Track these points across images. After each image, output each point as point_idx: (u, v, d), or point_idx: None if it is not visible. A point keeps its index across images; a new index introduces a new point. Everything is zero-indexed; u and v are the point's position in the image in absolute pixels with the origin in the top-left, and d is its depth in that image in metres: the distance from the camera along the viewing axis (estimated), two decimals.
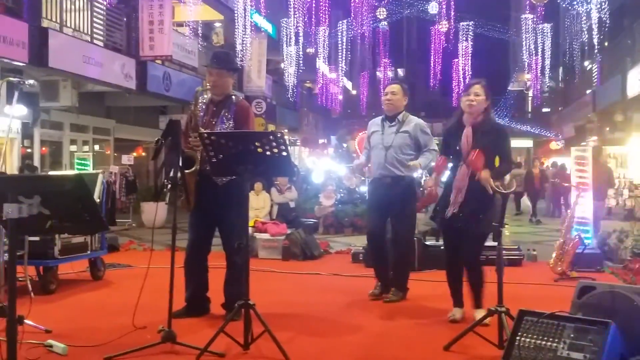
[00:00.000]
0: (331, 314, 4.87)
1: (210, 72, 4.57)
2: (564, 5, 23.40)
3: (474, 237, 4.33)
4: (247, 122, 4.50)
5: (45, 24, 11.40)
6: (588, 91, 21.67)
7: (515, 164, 14.36)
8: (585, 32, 19.52)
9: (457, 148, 4.36)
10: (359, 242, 8.65)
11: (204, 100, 4.63)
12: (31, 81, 4.22)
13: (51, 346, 3.65)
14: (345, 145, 29.05)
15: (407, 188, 5.25)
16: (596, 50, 20.27)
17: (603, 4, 17.75)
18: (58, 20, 11.85)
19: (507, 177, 4.40)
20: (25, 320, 3.72)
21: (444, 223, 4.47)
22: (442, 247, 7.05)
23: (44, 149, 14.45)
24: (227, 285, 4.54)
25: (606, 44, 20.47)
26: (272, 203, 11.16)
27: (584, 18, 19.51)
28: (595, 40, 19.05)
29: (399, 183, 5.19)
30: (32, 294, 4.79)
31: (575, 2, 20.58)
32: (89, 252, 6.00)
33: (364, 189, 15.17)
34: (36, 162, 13.33)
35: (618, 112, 17.93)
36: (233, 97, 4.58)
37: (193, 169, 4.31)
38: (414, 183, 5.44)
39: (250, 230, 7.87)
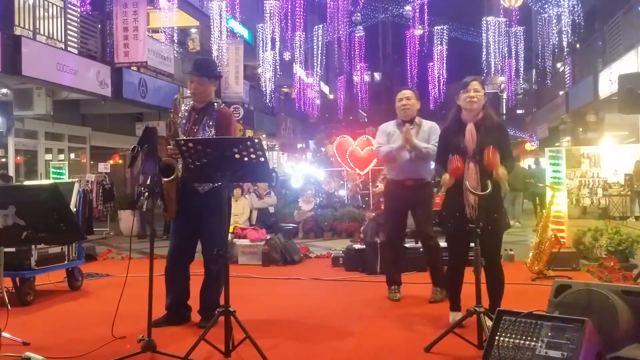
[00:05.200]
0: (312, 318, 4.87)
1: (191, 79, 4.53)
2: (535, 9, 23.75)
3: (494, 235, 4.20)
4: (229, 129, 4.48)
5: (18, 31, 11.25)
6: (561, 92, 21.96)
7: None
8: (557, 35, 19.83)
9: (462, 146, 4.13)
10: (339, 246, 8.67)
11: (187, 108, 4.57)
12: (4, 90, 4.16)
13: (29, 359, 3.59)
14: (323, 149, 29.10)
15: (429, 190, 5.51)
16: (567, 53, 20.59)
17: (575, 6, 18.06)
18: (31, 28, 11.70)
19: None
20: (2, 333, 3.69)
21: (457, 225, 4.19)
22: (421, 250, 7.10)
23: (18, 158, 14.25)
24: (203, 292, 4.55)
25: (578, 46, 20.81)
26: (252, 208, 11.13)
27: (556, 21, 19.81)
28: (566, 43, 19.38)
29: (422, 185, 5.37)
30: (8, 306, 4.71)
31: (546, 5, 20.90)
32: (66, 262, 5.93)
33: (342, 192, 15.27)
34: (11, 171, 13.14)
35: (590, 112, 18.21)
36: (215, 104, 4.55)
37: (172, 176, 4.28)
38: (432, 185, 5.63)
39: (229, 236, 7.84)
